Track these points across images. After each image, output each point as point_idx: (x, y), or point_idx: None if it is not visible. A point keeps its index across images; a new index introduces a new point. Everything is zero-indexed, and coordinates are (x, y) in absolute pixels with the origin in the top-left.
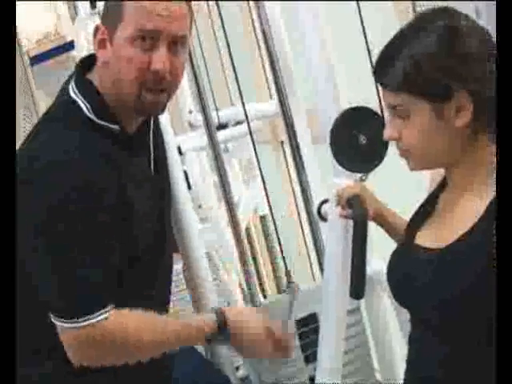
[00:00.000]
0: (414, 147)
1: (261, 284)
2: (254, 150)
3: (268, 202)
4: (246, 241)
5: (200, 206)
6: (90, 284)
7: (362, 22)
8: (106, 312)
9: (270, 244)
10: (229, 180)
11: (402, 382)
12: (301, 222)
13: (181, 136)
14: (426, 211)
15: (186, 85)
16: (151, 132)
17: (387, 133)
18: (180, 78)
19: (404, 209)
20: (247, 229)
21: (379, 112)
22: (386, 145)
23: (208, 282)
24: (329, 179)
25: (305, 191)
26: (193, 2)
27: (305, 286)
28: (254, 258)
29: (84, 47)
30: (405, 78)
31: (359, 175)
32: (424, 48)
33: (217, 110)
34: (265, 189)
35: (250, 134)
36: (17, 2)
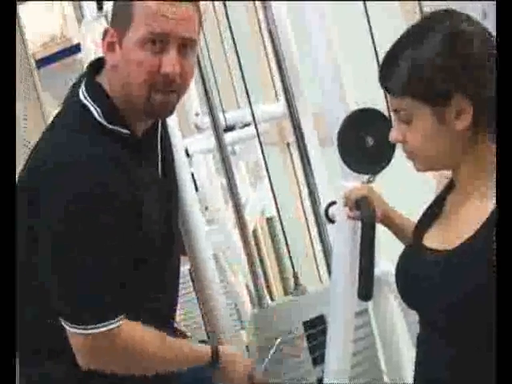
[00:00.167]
0: (418, 150)
1: (268, 286)
2: (262, 152)
3: (276, 203)
4: (252, 243)
5: (207, 208)
6: (102, 292)
7: (368, 23)
8: (116, 321)
9: (277, 246)
10: (236, 182)
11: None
12: (307, 223)
13: (188, 138)
14: (433, 213)
15: (192, 87)
16: (159, 134)
17: (393, 135)
18: (189, 80)
19: (411, 210)
20: (254, 231)
21: (386, 113)
22: (393, 146)
23: (215, 283)
24: (336, 181)
25: (312, 193)
26: (200, 3)
27: (312, 288)
28: (261, 260)
29: (90, 50)
30: (407, 82)
31: (366, 177)
32: (425, 53)
33: (223, 112)
34: (272, 191)
35: (258, 136)
36: (23, 5)
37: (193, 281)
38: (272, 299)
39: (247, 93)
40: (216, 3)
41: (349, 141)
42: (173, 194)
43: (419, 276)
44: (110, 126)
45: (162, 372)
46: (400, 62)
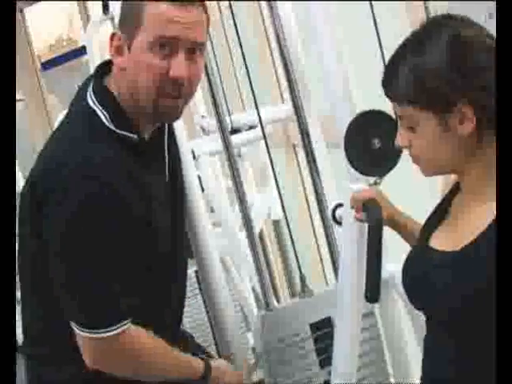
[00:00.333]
0: (423, 155)
1: (274, 288)
2: (269, 154)
3: (282, 206)
4: (259, 245)
5: (212, 211)
6: (111, 297)
7: (375, 24)
8: (123, 326)
9: (283, 248)
10: (243, 185)
11: None
12: (313, 225)
13: (193, 141)
14: (440, 214)
15: (198, 89)
16: (166, 137)
17: (398, 141)
18: (197, 84)
19: (417, 212)
20: (260, 233)
21: (393, 115)
22: (399, 148)
23: (222, 285)
24: (342, 183)
25: (319, 195)
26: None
27: (319, 290)
28: (267, 262)
29: (96, 52)
30: (409, 91)
31: (373, 179)
32: (427, 61)
33: (230, 114)
34: (279, 193)
35: (265, 138)
36: (29, 8)
37: (199, 283)
38: (278, 302)
39: (254, 95)
40: (222, 6)
41: (355, 143)
42: (179, 197)
43: (426, 277)
44: (118, 131)
45: (161, 379)
46: (402, 70)
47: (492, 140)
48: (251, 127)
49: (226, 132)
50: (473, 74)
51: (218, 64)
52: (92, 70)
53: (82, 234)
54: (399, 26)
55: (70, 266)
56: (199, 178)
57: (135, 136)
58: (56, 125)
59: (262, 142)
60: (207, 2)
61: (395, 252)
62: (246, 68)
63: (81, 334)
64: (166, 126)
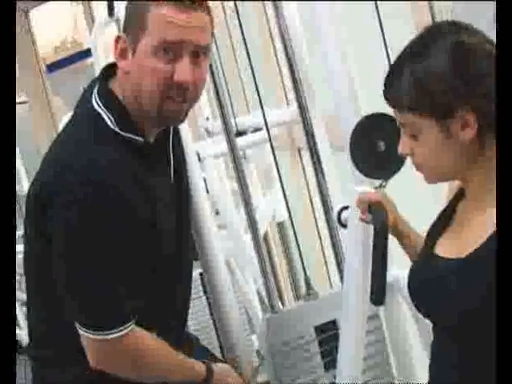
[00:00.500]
0: (426, 163)
1: (278, 291)
2: (274, 156)
3: (288, 208)
4: (264, 247)
5: (217, 213)
6: (116, 299)
7: (380, 26)
8: (127, 327)
9: (288, 251)
10: (248, 187)
11: None
12: (318, 227)
13: (198, 143)
14: (444, 221)
15: (203, 92)
16: (171, 139)
17: (400, 149)
18: (202, 88)
19: (422, 217)
20: (265, 235)
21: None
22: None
23: (227, 287)
24: (348, 186)
25: (324, 197)
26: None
27: (324, 293)
28: (272, 265)
29: (101, 55)
30: (410, 99)
31: (378, 182)
32: (428, 68)
33: (234, 117)
34: (284, 195)
35: (270, 140)
36: (34, 10)
37: (203, 285)
38: (283, 304)
39: (259, 97)
40: (226, 6)
41: (360, 146)
42: (184, 199)
43: (431, 284)
44: (124, 134)
45: (163, 381)
46: (403, 78)
47: (493, 145)
48: (256, 129)
49: (232, 134)
50: (475, 80)
51: (224, 67)
52: (97, 73)
53: (86, 236)
54: (404, 26)
55: (74, 268)
56: (204, 180)
57: (140, 138)
58: (61, 127)
59: (267, 144)
60: (211, 3)
61: (400, 255)
62: (252, 70)
63: (85, 335)
64: (171, 127)
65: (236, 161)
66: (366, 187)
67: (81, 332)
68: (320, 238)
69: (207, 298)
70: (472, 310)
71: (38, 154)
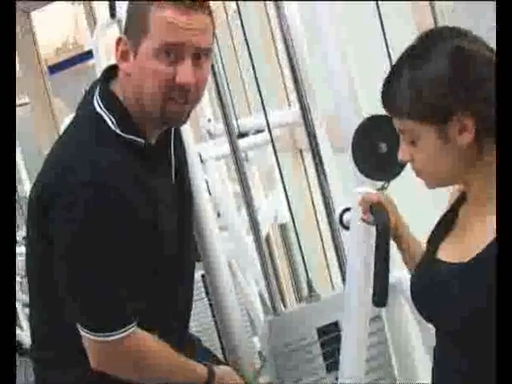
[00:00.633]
0: (426, 169)
1: (280, 293)
2: (276, 158)
3: (290, 210)
4: (266, 249)
5: (219, 215)
6: (118, 301)
7: (381, 25)
8: (128, 329)
9: (290, 252)
10: (250, 189)
11: None
12: (320, 230)
13: (200, 144)
14: (446, 224)
15: (205, 93)
16: (172, 141)
17: (400, 155)
18: (203, 89)
19: (423, 219)
20: (267, 237)
21: None
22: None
23: (229, 288)
24: (350, 187)
25: (326, 199)
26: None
27: (326, 295)
28: (274, 267)
29: (103, 56)
30: (408, 106)
31: (380, 183)
32: (426, 75)
33: (236, 118)
34: (286, 197)
35: (272, 142)
36: (35, 12)
37: (205, 286)
38: (285, 306)
39: (262, 99)
40: (229, 11)
41: (362, 147)
42: (187, 200)
43: (434, 289)
44: (125, 135)
45: (164, 382)
46: (401, 85)
47: (492, 150)
48: (258, 131)
49: (234, 136)
50: (473, 85)
51: (226, 68)
52: (98, 74)
53: (87, 238)
54: (405, 26)
55: (76, 269)
56: (206, 182)
57: (142, 140)
58: (62, 128)
59: (269, 145)
60: (212, 4)
61: None
62: (254, 71)
63: (86, 337)
64: (173, 129)
65: (238, 162)
66: (368, 188)
67: (82, 333)
68: (322, 239)
69: (209, 300)
70: (474, 314)
71: (39, 156)
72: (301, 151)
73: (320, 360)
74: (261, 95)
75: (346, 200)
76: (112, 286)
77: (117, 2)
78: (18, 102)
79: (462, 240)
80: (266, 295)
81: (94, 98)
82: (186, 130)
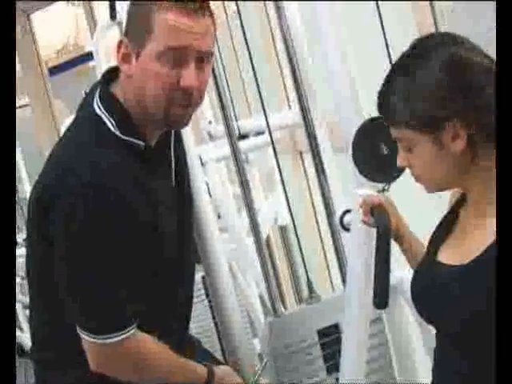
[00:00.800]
0: (423, 174)
1: (281, 294)
2: (276, 160)
3: (290, 212)
4: (266, 251)
5: (219, 216)
6: (117, 303)
7: (381, 26)
8: (128, 331)
9: (290, 254)
10: (251, 190)
11: None
12: (320, 231)
13: (200, 146)
14: (447, 227)
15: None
16: (172, 143)
17: (398, 161)
18: (204, 92)
19: (424, 221)
20: (267, 239)
21: None
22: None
23: (230, 290)
24: (350, 189)
25: (326, 201)
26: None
27: (326, 297)
28: (274, 268)
29: (103, 58)
30: (400, 114)
31: (381, 185)
32: (419, 84)
33: (237, 120)
34: (286, 199)
35: (273, 144)
36: (36, 13)
37: (205, 288)
38: (285, 308)
39: (262, 102)
40: (229, 12)
41: (363, 149)
42: (186, 203)
43: (434, 291)
44: (125, 138)
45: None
46: (394, 93)
47: (488, 156)
48: (258, 133)
49: (234, 138)
50: (465, 94)
51: (226, 70)
52: (99, 76)
53: (88, 240)
54: (405, 26)
55: (75, 271)
56: (206, 183)
57: (141, 142)
58: (62, 130)
59: (269, 147)
60: (212, 4)
61: (403, 258)
62: (254, 73)
63: (86, 339)
64: (173, 131)
65: (238, 164)
66: (368, 190)
67: (82, 335)
68: (322, 241)
69: (209, 301)
70: (474, 316)
71: (39, 157)
72: (301, 153)
73: (320, 362)
74: (261, 97)
75: (347, 202)
76: (112, 288)
77: (117, 4)
78: (18, 103)
79: (461, 242)
80: (266, 297)
81: (94, 99)
82: (187, 132)
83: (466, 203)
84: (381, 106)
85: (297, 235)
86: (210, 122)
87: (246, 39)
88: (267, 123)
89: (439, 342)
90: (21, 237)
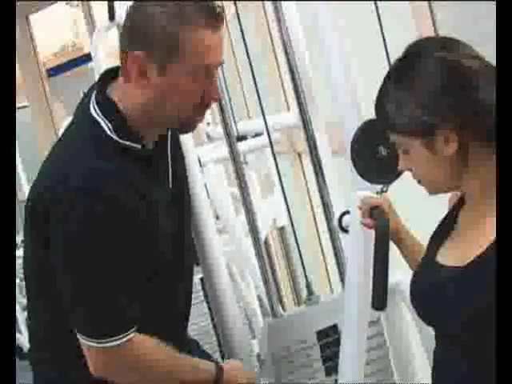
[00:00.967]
0: (422, 178)
1: (279, 296)
2: (275, 161)
3: (289, 213)
4: (265, 252)
5: (218, 218)
6: (115, 307)
7: (381, 31)
8: (127, 335)
9: (289, 255)
10: (249, 192)
11: None
12: (318, 233)
13: (199, 148)
14: (446, 228)
15: None
16: (169, 144)
17: (399, 165)
18: None
19: (423, 222)
20: (266, 240)
21: None
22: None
23: (228, 291)
24: (348, 190)
25: (325, 202)
26: None
27: (325, 298)
28: (273, 270)
29: (102, 59)
30: (393, 121)
31: (380, 187)
32: (407, 91)
33: (235, 122)
34: (285, 200)
35: (271, 145)
36: (34, 14)
37: (204, 290)
38: (284, 309)
39: (260, 103)
40: (228, 13)
41: (362, 150)
42: (185, 204)
43: (433, 292)
44: (122, 141)
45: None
46: (388, 100)
47: (482, 160)
48: (257, 134)
49: (233, 139)
50: (455, 99)
51: (224, 69)
52: (97, 78)
53: (87, 246)
54: (405, 33)
55: (74, 277)
56: (205, 185)
57: (138, 146)
58: (61, 131)
59: (268, 149)
60: None
61: (402, 259)
62: (253, 74)
63: (85, 343)
64: (169, 133)
65: (237, 166)
66: (367, 192)
67: (81, 340)
68: (321, 242)
69: (208, 303)
70: (472, 318)
71: (38, 158)
72: (299, 154)
73: (319, 363)
74: (259, 98)
75: (345, 203)
76: (111, 293)
77: (116, 5)
78: (16, 104)
79: (460, 243)
80: (264, 298)
81: (91, 102)
82: (187, 134)
83: (466, 206)
84: (376, 111)
85: (295, 237)
86: (208, 124)
87: (244, 40)
88: (266, 125)
89: (439, 344)
90: (20, 239)
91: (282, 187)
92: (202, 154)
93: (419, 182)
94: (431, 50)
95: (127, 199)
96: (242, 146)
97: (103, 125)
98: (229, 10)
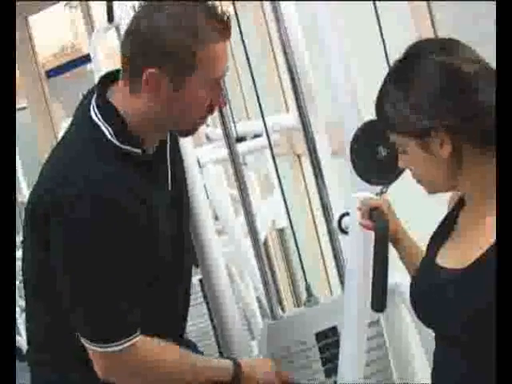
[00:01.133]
0: (420, 178)
1: (279, 297)
2: (274, 163)
3: (288, 215)
4: (264, 253)
5: (217, 219)
6: (118, 311)
7: (380, 32)
8: (132, 339)
9: (288, 257)
10: (248, 193)
11: None
12: (318, 234)
13: (198, 149)
14: (446, 230)
15: None
16: (168, 147)
17: (399, 163)
18: None
19: (423, 223)
20: (265, 242)
21: None
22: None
23: (228, 293)
24: (348, 192)
25: (324, 204)
26: None
27: (325, 299)
28: (272, 271)
29: (100, 60)
30: (392, 122)
31: (379, 188)
32: (405, 93)
33: (234, 123)
34: (284, 202)
35: (270, 147)
36: (34, 16)
37: (203, 291)
38: (283, 310)
39: (259, 105)
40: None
41: (362, 151)
42: (184, 206)
43: (433, 294)
44: (123, 147)
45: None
46: (387, 101)
47: (478, 161)
48: (256, 135)
49: (232, 140)
50: (450, 102)
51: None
52: (97, 79)
53: (87, 249)
54: (405, 35)
55: (74, 280)
56: (204, 186)
57: (139, 150)
58: (61, 133)
59: (267, 150)
60: None
61: None
62: (252, 76)
63: (90, 348)
64: (169, 136)
65: (236, 167)
66: (367, 193)
67: (86, 345)
68: (320, 244)
69: (207, 304)
70: (472, 319)
71: (37, 159)
72: (299, 156)
73: (319, 364)
74: (259, 99)
75: (345, 205)
76: (113, 297)
77: (115, 6)
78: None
79: (460, 245)
80: (264, 299)
81: (91, 106)
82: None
83: (466, 207)
84: (376, 111)
85: (295, 238)
86: (207, 125)
87: (243, 41)
88: (265, 126)
89: (438, 345)
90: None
91: (282, 189)
92: (202, 154)
93: (419, 181)
94: (431, 51)
95: (128, 204)
96: (241, 147)
97: (103, 128)
98: (227, 10)
